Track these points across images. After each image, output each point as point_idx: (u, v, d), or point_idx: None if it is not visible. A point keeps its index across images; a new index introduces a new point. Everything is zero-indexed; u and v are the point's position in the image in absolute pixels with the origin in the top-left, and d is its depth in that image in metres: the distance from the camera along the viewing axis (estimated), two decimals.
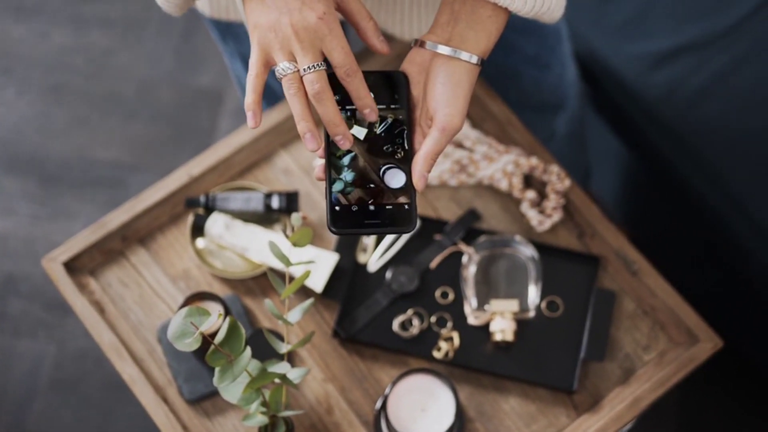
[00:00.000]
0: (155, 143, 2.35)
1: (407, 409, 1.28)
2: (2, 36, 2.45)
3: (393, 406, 1.28)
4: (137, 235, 1.44)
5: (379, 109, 1.02)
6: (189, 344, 1.06)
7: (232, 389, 1.12)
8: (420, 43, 1.04)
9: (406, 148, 1.01)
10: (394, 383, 1.28)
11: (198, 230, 1.42)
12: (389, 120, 1.02)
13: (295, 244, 1.19)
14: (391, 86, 1.03)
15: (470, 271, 1.38)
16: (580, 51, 1.78)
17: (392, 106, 1.02)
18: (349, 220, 0.97)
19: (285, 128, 1.48)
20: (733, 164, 1.65)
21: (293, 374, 1.19)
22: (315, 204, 1.46)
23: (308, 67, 0.98)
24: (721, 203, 1.66)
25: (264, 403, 1.18)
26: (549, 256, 1.41)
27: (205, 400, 1.36)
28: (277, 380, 1.16)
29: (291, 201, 1.42)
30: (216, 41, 1.56)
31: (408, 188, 0.99)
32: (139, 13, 2.48)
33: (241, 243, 1.40)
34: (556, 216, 1.43)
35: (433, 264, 1.42)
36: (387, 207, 0.98)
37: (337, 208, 0.98)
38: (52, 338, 2.16)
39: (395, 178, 1.00)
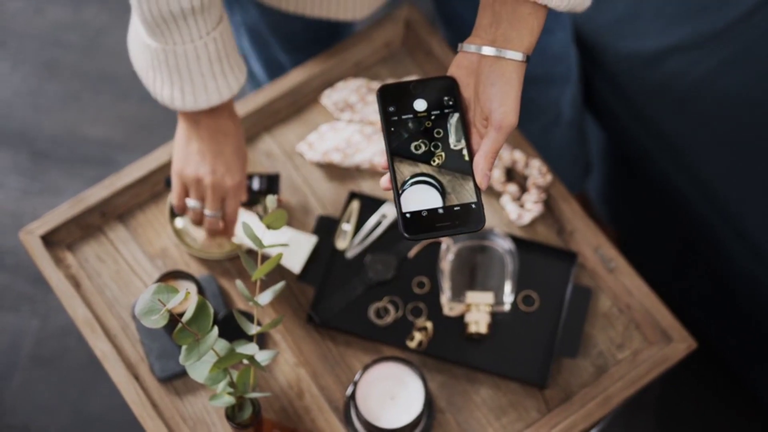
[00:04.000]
0: (146, 123, 2.34)
1: (377, 397, 1.28)
2: None
3: (362, 392, 1.28)
4: (116, 211, 1.43)
5: (434, 115, 1.06)
6: (156, 321, 1.06)
7: (198, 368, 1.12)
8: (464, 47, 1.07)
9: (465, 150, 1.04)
10: (364, 370, 1.28)
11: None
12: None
13: (269, 226, 1.19)
14: (442, 91, 1.07)
15: (447, 262, 1.38)
16: None
17: (445, 111, 1.05)
18: (421, 225, 1.01)
19: (268, 112, 1.48)
20: (718, 166, 1.65)
21: (261, 356, 1.18)
22: (296, 188, 1.45)
23: (211, 214, 1.34)
24: (704, 205, 1.66)
25: (231, 384, 1.18)
26: (527, 250, 1.41)
27: (177, 378, 1.36)
28: (245, 361, 1.16)
29: (272, 183, 1.42)
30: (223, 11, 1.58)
31: (473, 188, 1.02)
32: None
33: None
34: (536, 210, 1.43)
35: (411, 253, 1.41)
36: (455, 208, 1.01)
37: (407, 215, 1.01)
38: (36, 313, 2.16)
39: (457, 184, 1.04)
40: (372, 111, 1.48)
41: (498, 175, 1.44)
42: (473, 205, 1.02)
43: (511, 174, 1.46)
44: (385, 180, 1.04)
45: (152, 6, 1.17)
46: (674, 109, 1.68)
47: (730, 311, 1.77)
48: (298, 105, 1.50)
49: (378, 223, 1.42)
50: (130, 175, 1.42)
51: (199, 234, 1.41)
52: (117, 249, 1.42)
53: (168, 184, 1.41)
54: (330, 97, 1.49)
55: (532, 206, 1.43)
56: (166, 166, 1.43)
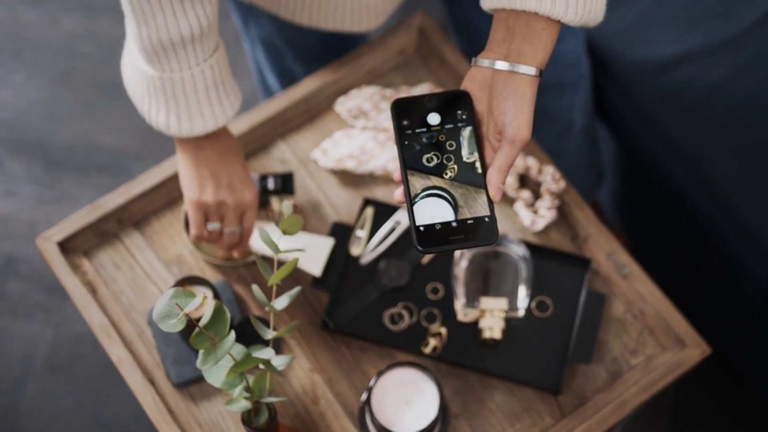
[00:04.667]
0: (160, 132, 2.35)
1: (391, 402, 1.28)
2: (13, 20, 2.47)
3: (377, 398, 1.28)
4: (132, 218, 1.45)
5: (447, 129, 1.06)
6: (173, 325, 1.07)
7: (215, 372, 1.13)
8: (478, 62, 1.08)
9: (477, 163, 1.05)
10: (379, 375, 1.28)
11: None
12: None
13: (285, 232, 1.19)
14: (456, 105, 1.08)
15: (461, 268, 1.38)
16: None
17: (459, 125, 1.06)
18: (434, 238, 1.02)
19: (282, 119, 1.49)
20: (730, 173, 1.65)
21: (277, 361, 1.19)
22: (311, 194, 1.46)
23: (231, 231, 1.35)
24: (716, 211, 1.66)
25: (248, 389, 1.18)
26: (540, 256, 1.41)
27: (192, 384, 1.36)
28: (261, 366, 1.16)
29: (286, 182, 1.43)
30: (237, 27, 1.59)
31: (486, 201, 1.03)
32: None
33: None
34: (550, 217, 1.43)
35: (425, 260, 1.42)
36: (468, 222, 1.02)
37: (421, 228, 1.02)
38: (50, 321, 2.17)
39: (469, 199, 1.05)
40: (385, 118, 1.48)
41: (511, 181, 1.45)
42: (486, 219, 1.03)
43: (524, 180, 1.47)
44: (399, 193, 1.05)
45: (152, 34, 1.18)
46: (686, 117, 1.68)
47: (743, 317, 1.77)
48: (311, 113, 1.51)
49: (392, 230, 1.43)
50: (146, 182, 1.43)
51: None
52: (133, 255, 1.43)
53: (188, 226, 1.41)
54: (344, 105, 1.50)
55: (546, 212, 1.43)
56: None
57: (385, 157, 1.46)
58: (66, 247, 1.41)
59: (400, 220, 1.43)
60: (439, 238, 1.02)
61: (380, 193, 1.47)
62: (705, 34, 1.71)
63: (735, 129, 1.66)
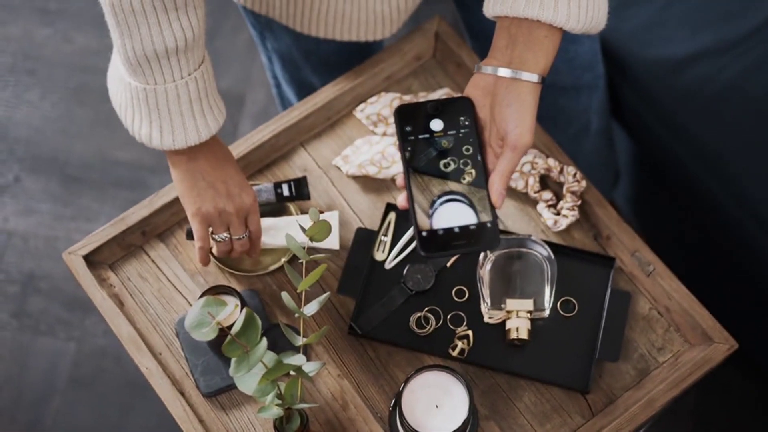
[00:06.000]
0: None
1: (421, 406, 1.28)
2: (27, 38, 2.48)
3: (407, 402, 1.29)
4: (157, 230, 1.45)
5: (450, 134, 1.07)
6: (206, 333, 1.08)
7: (247, 380, 1.14)
8: (481, 69, 1.09)
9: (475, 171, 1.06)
10: (408, 379, 1.29)
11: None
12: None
13: (312, 239, 1.20)
14: (458, 112, 1.08)
15: (486, 270, 1.39)
16: None
17: (461, 131, 1.07)
18: (437, 244, 1.03)
19: (303, 127, 1.50)
20: (749, 169, 1.65)
21: (308, 367, 1.20)
22: (333, 201, 1.47)
23: (239, 237, 1.34)
24: (735, 206, 1.66)
25: (279, 396, 1.19)
26: (564, 256, 1.42)
27: (222, 393, 1.37)
28: (292, 372, 1.17)
29: (300, 186, 1.43)
30: (255, 40, 1.60)
31: (488, 207, 1.04)
32: None
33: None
34: (572, 216, 1.43)
35: (450, 263, 1.42)
36: (471, 227, 1.03)
37: (424, 234, 1.03)
38: (72, 336, 2.18)
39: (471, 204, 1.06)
40: None
41: (532, 182, 1.45)
42: (489, 224, 1.03)
43: (545, 182, 1.48)
44: (402, 198, 1.06)
45: (136, 45, 1.17)
46: (703, 114, 1.69)
47: (766, 315, 1.77)
48: (332, 120, 1.52)
49: None
50: (170, 193, 1.44)
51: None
52: (158, 267, 1.44)
53: (189, 236, 1.42)
54: (363, 111, 1.51)
55: (568, 212, 1.43)
56: None
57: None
58: (92, 260, 1.42)
59: None
60: (442, 243, 1.03)
61: (402, 198, 1.47)
62: (718, 32, 1.72)
63: (752, 124, 1.66)
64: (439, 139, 1.06)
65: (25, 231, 2.28)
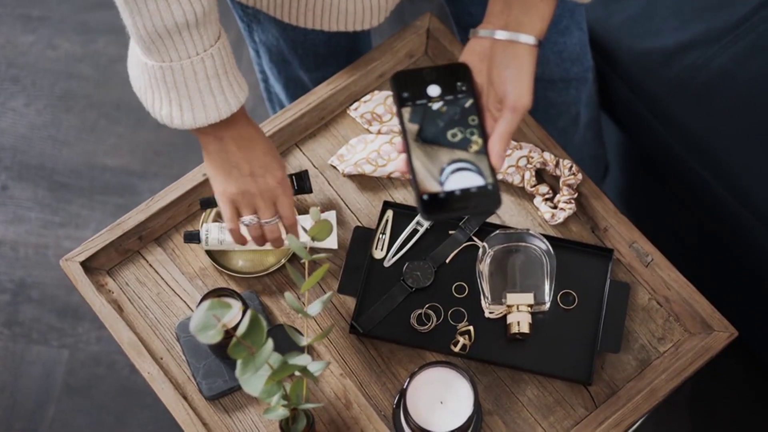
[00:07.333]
0: (163, 149, 2.36)
1: (426, 402, 1.28)
2: (10, 45, 2.47)
3: (412, 399, 1.29)
4: (154, 234, 1.45)
5: (447, 100, 1.07)
6: (211, 336, 1.07)
7: (253, 382, 1.13)
8: (478, 33, 1.09)
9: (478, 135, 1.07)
10: (412, 376, 1.29)
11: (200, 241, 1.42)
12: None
13: (314, 238, 1.20)
14: (455, 78, 1.08)
15: (485, 265, 1.39)
16: None
17: (459, 96, 1.07)
18: (439, 207, 1.03)
19: (297, 127, 1.49)
20: (741, 158, 1.66)
21: (314, 367, 1.19)
22: (330, 200, 1.47)
23: (267, 221, 1.32)
24: (728, 196, 1.67)
25: (285, 396, 1.19)
26: (563, 249, 1.42)
27: (224, 396, 1.36)
28: (297, 373, 1.17)
29: (302, 180, 1.43)
30: (242, 33, 1.59)
31: (488, 169, 1.05)
32: None
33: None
34: (569, 209, 1.44)
35: (449, 259, 1.43)
36: (472, 190, 1.03)
37: (425, 197, 1.03)
38: (65, 344, 2.17)
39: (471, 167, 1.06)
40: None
41: (528, 177, 1.45)
42: (489, 186, 1.04)
43: (541, 175, 1.48)
44: (402, 163, 1.06)
45: (146, 22, 1.16)
46: (694, 104, 1.70)
47: (763, 304, 1.78)
48: (326, 120, 1.51)
49: (414, 231, 1.43)
50: (166, 197, 1.44)
51: (232, 253, 1.43)
52: (156, 271, 1.44)
53: (203, 205, 1.42)
54: (357, 110, 1.51)
55: (565, 205, 1.44)
56: (200, 187, 1.45)
57: (401, 159, 1.46)
58: (89, 267, 1.41)
59: (421, 221, 1.43)
60: (443, 206, 1.03)
61: (399, 196, 1.47)
62: (707, 22, 1.72)
63: (743, 113, 1.67)
64: (436, 105, 1.07)
65: (15, 239, 2.27)
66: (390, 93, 1.51)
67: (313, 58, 1.58)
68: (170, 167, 2.34)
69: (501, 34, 1.08)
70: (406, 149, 1.05)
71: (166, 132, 2.36)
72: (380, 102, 1.50)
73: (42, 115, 2.40)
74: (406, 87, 1.07)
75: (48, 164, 2.35)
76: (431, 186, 1.03)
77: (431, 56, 1.55)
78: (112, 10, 2.57)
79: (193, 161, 2.23)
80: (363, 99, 1.51)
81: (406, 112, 1.06)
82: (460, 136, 1.06)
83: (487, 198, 1.04)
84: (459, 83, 1.08)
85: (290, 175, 1.43)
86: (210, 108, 1.23)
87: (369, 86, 1.53)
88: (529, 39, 1.07)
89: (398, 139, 1.47)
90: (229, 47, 1.24)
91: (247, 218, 1.32)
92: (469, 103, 1.07)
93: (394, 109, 1.11)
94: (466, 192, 1.03)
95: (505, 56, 1.07)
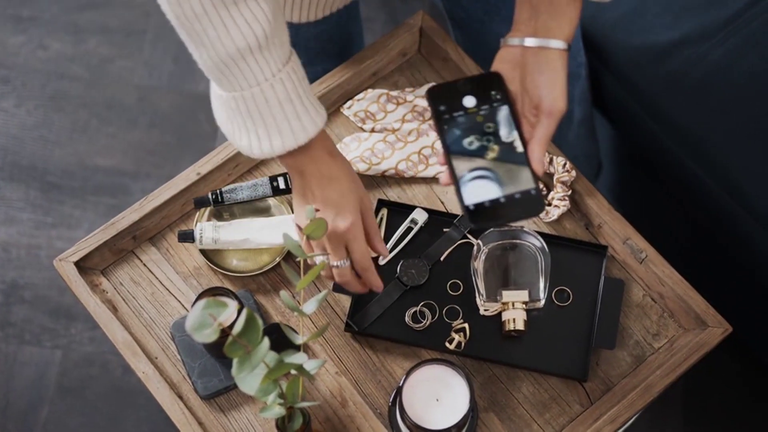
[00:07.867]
0: (156, 150, 2.36)
1: (421, 400, 1.28)
2: (0, 46, 2.46)
3: (407, 396, 1.29)
4: (148, 234, 1.44)
5: (483, 109, 1.10)
6: (208, 335, 1.07)
7: (249, 380, 1.13)
8: (507, 41, 1.11)
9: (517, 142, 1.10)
10: (407, 374, 1.29)
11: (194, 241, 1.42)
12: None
13: (309, 237, 1.20)
14: (489, 87, 1.11)
15: (480, 262, 1.39)
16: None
17: (494, 105, 1.10)
18: (485, 215, 1.07)
19: None
20: (734, 154, 1.66)
21: (310, 365, 1.19)
22: None
23: (336, 264, 1.25)
24: (722, 192, 1.68)
25: (281, 395, 1.19)
26: (557, 246, 1.42)
27: (220, 395, 1.36)
28: (293, 371, 1.16)
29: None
30: None
31: (530, 175, 1.08)
32: (137, 20, 2.49)
33: (238, 237, 1.40)
34: (563, 207, 1.44)
35: (443, 256, 1.43)
36: (516, 196, 1.07)
37: (471, 207, 1.06)
38: (58, 345, 2.16)
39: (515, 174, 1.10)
40: (392, 119, 1.49)
41: None
42: (532, 191, 1.07)
43: None
44: (444, 176, 1.07)
45: (210, 52, 1.13)
46: (687, 100, 1.70)
47: (756, 300, 1.78)
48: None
49: (408, 229, 1.43)
50: (159, 197, 1.43)
51: (227, 252, 1.43)
52: (151, 271, 1.43)
53: (197, 205, 1.42)
54: (351, 109, 1.51)
55: (559, 202, 1.44)
56: (194, 186, 1.45)
57: (395, 157, 1.46)
58: (83, 267, 1.41)
59: (416, 219, 1.43)
60: (489, 215, 1.07)
61: (393, 194, 1.47)
62: (700, 18, 1.73)
63: (737, 109, 1.68)
64: (473, 115, 1.09)
65: (6, 240, 2.26)
66: (383, 91, 1.51)
67: (305, 54, 1.58)
68: (162, 167, 2.33)
69: (531, 41, 1.09)
70: (448, 161, 1.08)
71: (158, 132, 2.36)
72: (374, 100, 1.50)
73: (33, 116, 2.39)
74: (442, 100, 1.10)
75: (40, 165, 2.34)
76: (476, 196, 1.06)
77: (424, 54, 1.55)
78: (103, 10, 2.58)
79: (184, 162, 2.23)
80: (356, 97, 1.51)
81: (445, 124, 1.09)
82: (499, 144, 1.08)
83: (531, 203, 1.07)
84: (493, 92, 1.11)
85: (285, 174, 1.43)
86: (286, 134, 1.19)
87: (362, 85, 1.53)
88: (559, 44, 1.09)
89: (392, 137, 1.47)
90: (302, 71, 1.20)
91: (318, 258, 1.27)
92: (504, 111, 1.09)
93: (432, 122, 1.14)
94: (510, 198, 1.06)
95: (537, 62, 1.09)
